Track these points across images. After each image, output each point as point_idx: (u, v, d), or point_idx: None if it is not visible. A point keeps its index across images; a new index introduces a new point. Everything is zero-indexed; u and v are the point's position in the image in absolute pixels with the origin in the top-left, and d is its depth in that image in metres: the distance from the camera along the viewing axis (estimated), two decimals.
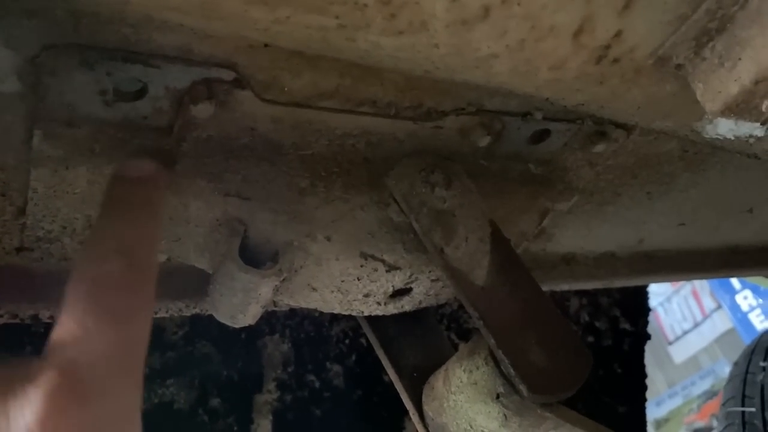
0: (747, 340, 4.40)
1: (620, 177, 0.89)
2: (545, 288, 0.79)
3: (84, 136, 0.56)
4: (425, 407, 0.68)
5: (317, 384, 1.01)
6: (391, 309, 0.70)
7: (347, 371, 1.03)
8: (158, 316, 0.73)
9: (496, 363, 0.59)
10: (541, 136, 0.74)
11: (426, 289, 0.68)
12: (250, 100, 0.58)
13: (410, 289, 0.68)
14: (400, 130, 0.67)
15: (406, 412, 1.16)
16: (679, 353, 4.89)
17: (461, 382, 0.63)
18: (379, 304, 0.68)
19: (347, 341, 1.03)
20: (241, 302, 0.59)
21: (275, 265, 0.58)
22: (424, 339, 0.75)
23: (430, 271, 0.66)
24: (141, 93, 0.55)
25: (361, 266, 0.63)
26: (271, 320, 0.97)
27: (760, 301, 4.62)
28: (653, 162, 0.88)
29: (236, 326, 0.63)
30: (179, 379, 0.92)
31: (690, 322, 4.93)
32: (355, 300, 0.66)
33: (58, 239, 0.66)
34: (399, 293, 0.68)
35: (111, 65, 0.51)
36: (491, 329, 0.58)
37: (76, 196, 0.61)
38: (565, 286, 1.03)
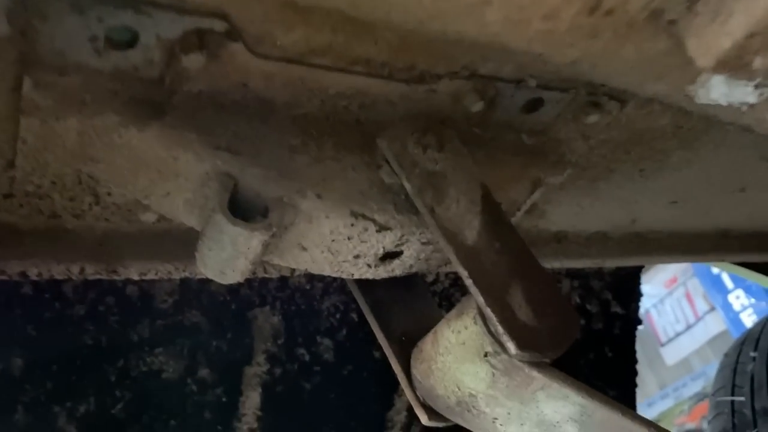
0: None
1: (613, 152, 0.89)
2: None
3: (75, 85, 0.55)
4: (413, 370, 0.68)
5: (307, 358, 1.01)
6: (382, 272, 0.69)
7: (338, 345, 1.03)
8: (147, 278, 0.73)
9: (485, 322, 0.59)
10: (535, 105, 0.74)
11: (416, 253, 0.68)
12: (242, 53, 0.58)
13: (401, 252, 0.68)
14: (393, 93, 0.66)
15: (396, 388, 1.16)
16: (671, 355, 4.90)
17: (449, 342, 0.63)
18: (369, 266, 0.68)
19: (338, 315, 1.02)
20: (230, 257, 0.59)
21: (264, 219, 0.58)
22: (415, 305, 0.75)
23: (420, 233, 0.65)
24: (132, 42, 0.54)
25: (352, 225, 0.62)
26: (261, 291, 0.97)
27: (752, 300, 4.63)
28: (647, 138, 0.88)
29: (225, 282, 0.63)
30: (168, 349, 0.92)
31: (682, 324, 4.94)
32: (345, 261, 0.66)
33: (48, 195, 0.66)
34: (389, 256, 0.68)
35: (102, 10, 0.51)
36: (480, 287, 0.58)
37: (66, 150, 0.61)
38: (556, 264, 1.03)
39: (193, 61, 0.55)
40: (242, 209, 0.59)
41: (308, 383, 1.02)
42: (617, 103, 0.78)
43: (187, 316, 0.92)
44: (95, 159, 0.61)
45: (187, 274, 0.75)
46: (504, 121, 0.75)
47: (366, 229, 0.63)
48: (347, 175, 0.64)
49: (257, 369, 0.98)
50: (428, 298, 0.77)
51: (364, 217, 0.62)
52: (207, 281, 0.92)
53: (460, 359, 0.62)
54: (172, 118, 0.58)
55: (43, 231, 0.69)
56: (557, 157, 0.83)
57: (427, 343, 0.67)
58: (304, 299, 0.99)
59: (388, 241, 0.65)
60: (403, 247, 0.67)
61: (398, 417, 1.12)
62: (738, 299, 4.67)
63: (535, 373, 0.58)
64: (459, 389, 0.63)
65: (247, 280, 0.99)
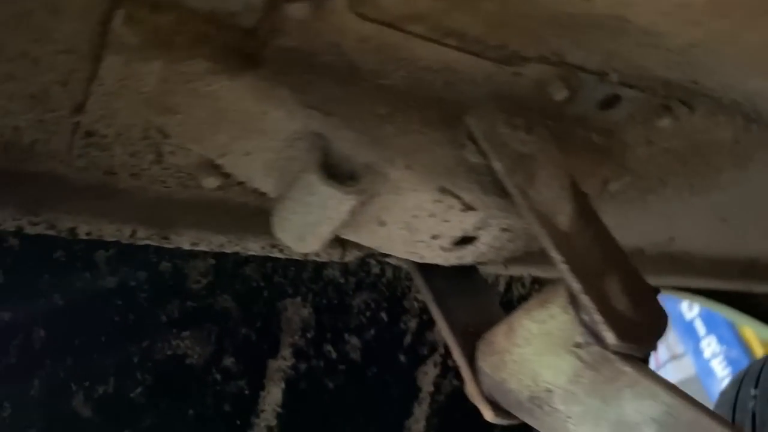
0: (708, 386, 4.45)
1: (671, 163, 0.88)
2: None
3: (167, 24, 0.52)
4: (480, 363, 0.65)
5: (334, 355, 0.97)
6: (452, 258, 0.66)
7: (365, 345, 0.98)
8: (198, 248, 0.69)
9: (576, 311, 0.56)
10: (612, 102, 0.73)
11: (492, 240, 0.65)
12: (342, 11, 0.55)
13: (476, 238, 0.65)
14: (479, 72, 0.64)
15: (417, 395, 1.12)
16: None
17: (530, 333, 0.60)
18: (443, 249, 0.64)
19: (368, 313, 0.98)
20: (316, 221, 0.56)
21: (357, 183, 0.55)
22: (476, 298, 0.72)
23: (503, 218, 0.63)
24: None
25: (438, 201, 0.59)
26: (295, 281, 0.93)
27: (724, 347, 4.68)
28: (705, 151, 0.87)
29: (301, 251, 0.59)
30: (195, 332, 0.87)
31: None
32: (420, 241, 0.63)
33: (110, 148, 0.62)
34: (465, 241, 0.65)
35: None
36: (577, 274, 0.55)
37: (142, 97, 0.57)
38: None
39: (297, 11, 0.53)
40: (330, 173, 0.55)
41: (332, 382, 0.98)
42: (687, 109, 0.77)
43: (218, 299, 0.87)
44: (173, 110, 0.58)
45: (239, 249, 0.71)
46: (578, 116, 0.73)
47: (451, 207, 0.60)
48: (434, 150, 0.61)
49: (282, 363, 0.94)
50: (489, 291, 0.74)
51: (451, 194, 0.60)
52: (242, 264, 0.88)
53: (541, 351, 0.59)
54: (266, 71, 0.55)
55: (97, 187, 0.64)
56: (620, 161, 0.82)
57: (498, 335, 0.64)
58: (336, 293, 0.95)
59: (469, 222, 0.62)
60: (480, 232, 0.64)
61: (416, 426, 1.07)
62: (709, 346, 4.71)
63: (627, 368, 0.55)
64: (535, 384, 0.60)
65: (282, 268, 0.95)
